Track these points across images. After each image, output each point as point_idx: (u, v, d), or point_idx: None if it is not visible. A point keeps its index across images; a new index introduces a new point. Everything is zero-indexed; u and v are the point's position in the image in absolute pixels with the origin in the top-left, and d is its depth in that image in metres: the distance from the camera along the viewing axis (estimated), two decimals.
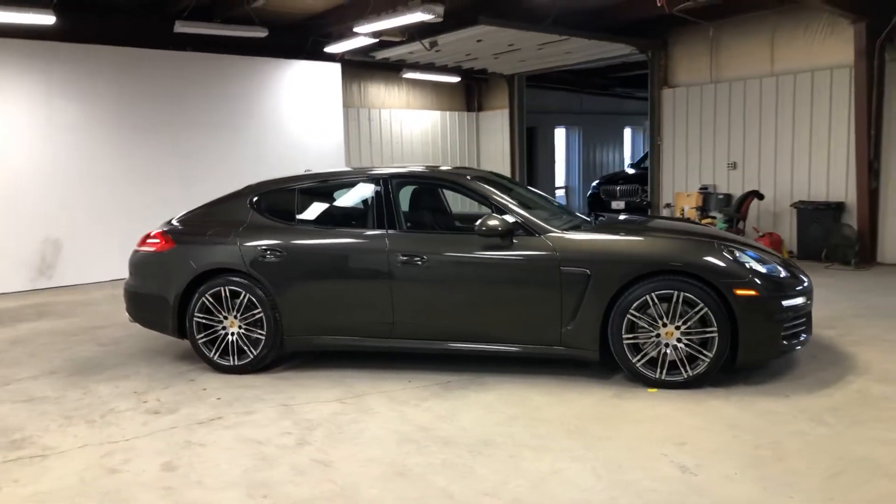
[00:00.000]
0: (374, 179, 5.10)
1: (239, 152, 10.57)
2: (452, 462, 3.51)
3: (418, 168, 5.51)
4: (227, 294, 5.01)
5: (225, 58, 10.45)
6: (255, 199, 5.26)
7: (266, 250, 4.97)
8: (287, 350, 5.09)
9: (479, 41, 10.23)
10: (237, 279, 5.00)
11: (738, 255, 4.42)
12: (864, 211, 8.90)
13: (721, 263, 4.34)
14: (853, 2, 8.23)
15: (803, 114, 9.65)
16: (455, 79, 13.44)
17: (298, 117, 11.23)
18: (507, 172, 13.78)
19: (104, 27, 9.66)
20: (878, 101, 8.72)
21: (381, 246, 4.83)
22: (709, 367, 4.35)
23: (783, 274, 4.50)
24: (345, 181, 5.42)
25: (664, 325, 4.38)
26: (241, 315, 5.01)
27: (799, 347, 4.57)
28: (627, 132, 17.98)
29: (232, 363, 5.06)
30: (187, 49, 10.07)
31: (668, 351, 4.39)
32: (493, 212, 4.75)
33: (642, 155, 15.91)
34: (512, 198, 4.92)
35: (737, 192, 10.38)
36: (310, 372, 5.05)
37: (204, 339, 5.09)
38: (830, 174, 9.46)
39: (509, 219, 4.64)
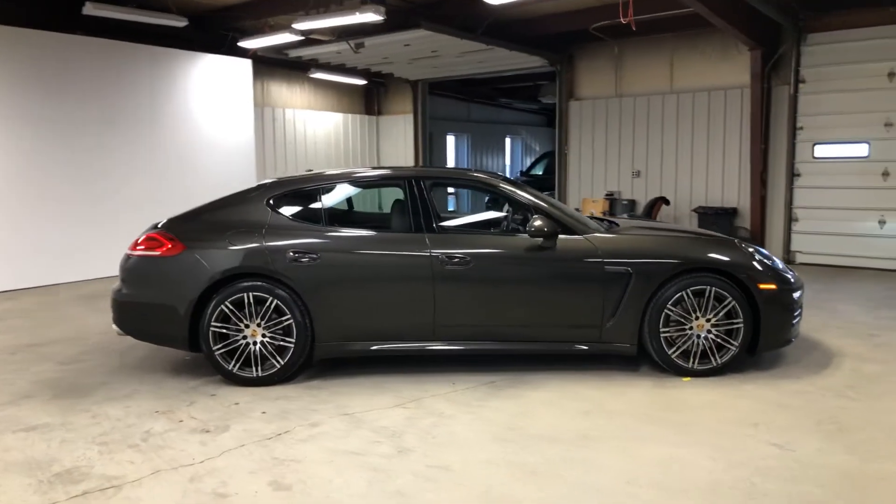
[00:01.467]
0: (405, 180, 5.00)
1: (143, 149, 9.71)
2: (569, 457, 3.58)
3: (446, 169, 5.43)
4: (251, 300, 4.67)
5: (132, 47, 9.57)
6: (272, 199, 4.94)
7: (298, 253, 4.69)
8: (316, 358, 4.83)
9: (406, 45, 10.24)
10: (263, 284, 4.68)
11: (756, 253, 4.90)
12: (757, 215, 10.09)
13: (747, 261, 4.79)
14: (752, 32, 9.32)
15: (700, 128, 10.73)
16: (362, 81, 13.30)
17: (208, 114, 10.54)
18: None
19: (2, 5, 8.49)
20: (765, 119, 9.93)
21: (422, 247, 4.75)
22: (735, 355, 4.78)
23: (788, 271, 5.06)
24: (371, 182, 5.25)
25: (696, 318, 4.75)
26: (265, 322, 4.69)
27: (797, 335, 5.15)
28: (508, 141, 18.75)
29: (255, 374, 4.71)
30: (77, 32, 9.08)
31: (700, 342, 4.77)
32: (532, 214, 4.87)
33: (531, 162, 16.71)
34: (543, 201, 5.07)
35: (641, 199, 11.29)
36: (338, 380, 4.84)
37: (222, 351, 4.70)
38: (725, 183, 10.61)
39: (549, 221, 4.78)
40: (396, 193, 5.03)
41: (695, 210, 10.64)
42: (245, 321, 4.69)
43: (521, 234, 4.89)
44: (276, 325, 4.69)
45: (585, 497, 3.16)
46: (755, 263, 4.80)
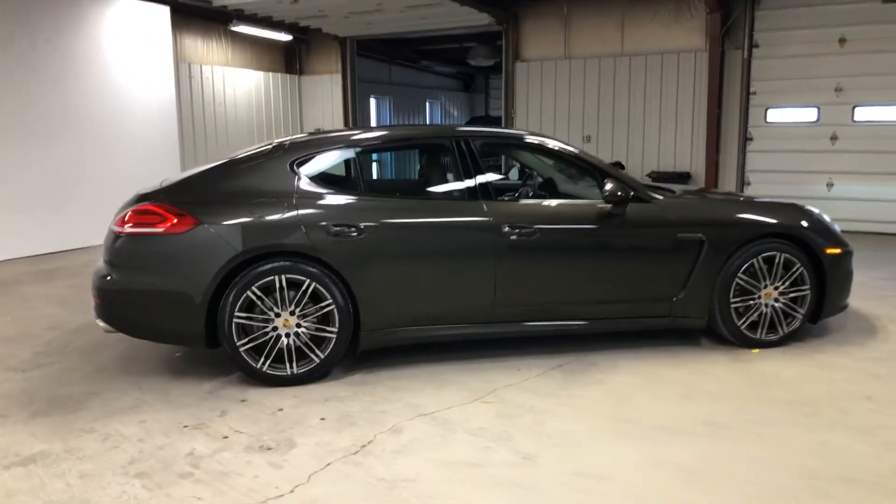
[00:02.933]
0: (452, 140, 4.32)
1: (44, 105, 8.24)
2: (717, 450, 3.16)
3: (493, 129, 4.76)
4: (283, 284, 3.87)
5: None
6: (296, 163, 4.11)
7: (340, 226, 3.93)
8: (361, 349, 4.11)
9: None
10: (298, 263, 3.89)
11: (820, 216, 4.69)
12: (711, 180, 10.16)
13: (816, 225, 4.56)
14: None
15: (653, 92, 10.62)
16: (286, 37, 12.13)
17: (123, 67, 9.14)
18: None
19: None
20: (719, 84, 9.96)
21: (483, 217, 4.13)
22: (800, 324, 4.57)
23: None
24: (413, 142, 4.50)
25: (765, 286, 4.48)
26: (301, 310, 3.91)
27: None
28: (427, 106, 18.09)
29: (290, 372, 3.94)
30: None
31: (768, 311, 4.51)
32: (598, 178, 4.37)
33: (466, 123, 16.18)
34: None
35: None
36: (384, 372, 4.16)
37: (248, 346, 3.89)
38: (677, 147, 10.60)
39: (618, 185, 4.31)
40: (435, 156, 4.37)
41: (648, 175, 10.58)
42: (276, 309, 3.89)
43: (587, 200, 4.40)
44: (314, 313, 3.93)
45: (779, 500, 2.76)
46: (822, 227, 4.59)
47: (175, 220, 3.83)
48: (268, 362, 3.92)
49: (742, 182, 10.14)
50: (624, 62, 10.74)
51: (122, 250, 3.90)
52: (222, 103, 11.84)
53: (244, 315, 3.86)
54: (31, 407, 3.73)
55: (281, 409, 3.65)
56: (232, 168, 4.14)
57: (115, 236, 3.92)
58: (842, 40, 9.27)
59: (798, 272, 4.48)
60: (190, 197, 3.98)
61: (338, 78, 13.13)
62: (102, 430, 3.41)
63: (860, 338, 4.78)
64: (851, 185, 9.49)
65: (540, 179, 4.93)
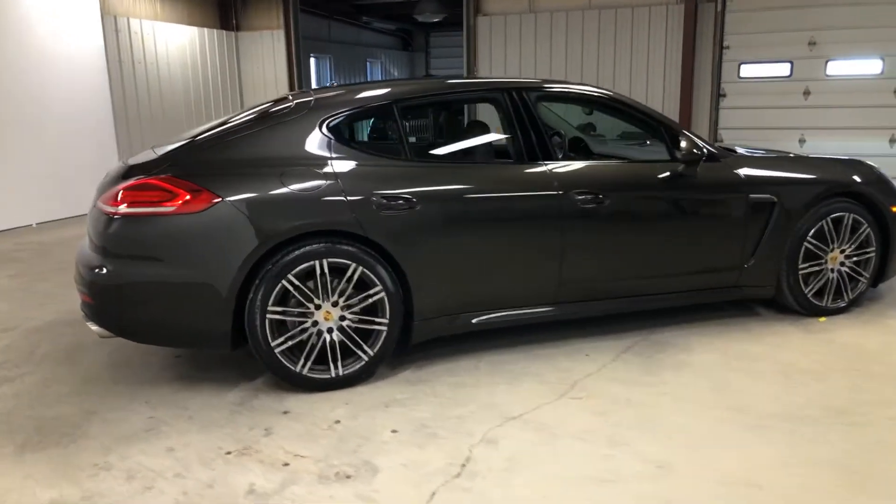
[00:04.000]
0: (504, 92, 3.71)
1: None
2: (856, 439, 2.78)
3: (547, 80, 4.11)
4: (325, 270, 3.22)
5: None
6: (328, 122, 3.41)
7: (389, 199, 3.29)
8: (413, 342, 3.51)
9: None
10: (343, 246, 3.23)
11: (884, 173, 4.38)
12: None
13: (883, 182, 4.26)
14: None
15: (623, 47, 10.22)
16: None
17: (44, 18, 7.92)
18: None
19: None
20: (693, 38, 9.67)
21: (548, 183, 3.58)
22: (865, 289, 4.30)
23: None
24: (464, 95, 3.84)
25: (831, 250, 4.16)
26: (346, 300, 3.27)
27: None
28: (368, 66, 17.11)
29: (334, 374, 3.31)
30: None
31: (834, 276, 4.20)
32: (667, 135, 3.89)
33: None
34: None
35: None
36: (436, 366, 3.59)
37: (284, 346, 3.22)
38: (649, 101, 10.27)
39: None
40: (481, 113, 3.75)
41: (619, 136, 10.23)
42: (317, 300, 3.24)
43: (656, 160, 3.91)
44: (360, 303, 3.29)
45: None
46: (886, 184, 4.29)
47: (188, 197, 3.08)
48: (308, 363, 3.27)
49: (714, 139, 9.95)
50: (592, 16, 10.27)
51: (119, 236, 3.12)
52: (154, 62, 10.61)
53: (279, 309, 3.19)
54: (13, 437, 2.95)
55: (338, 422, 3.04)
56: (246, 131, 3.39)
57: (108, 218, 3.13)
58: None
59: (865, 233, 4.18)
60: (200, 167, 3.22)
61: (280, 34, 12.06)
62: (122, 466, 2.71)
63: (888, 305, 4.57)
64: (823, 140, 9.45)
65: (598, 138, 4.41)
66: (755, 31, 9.44)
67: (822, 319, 4.20)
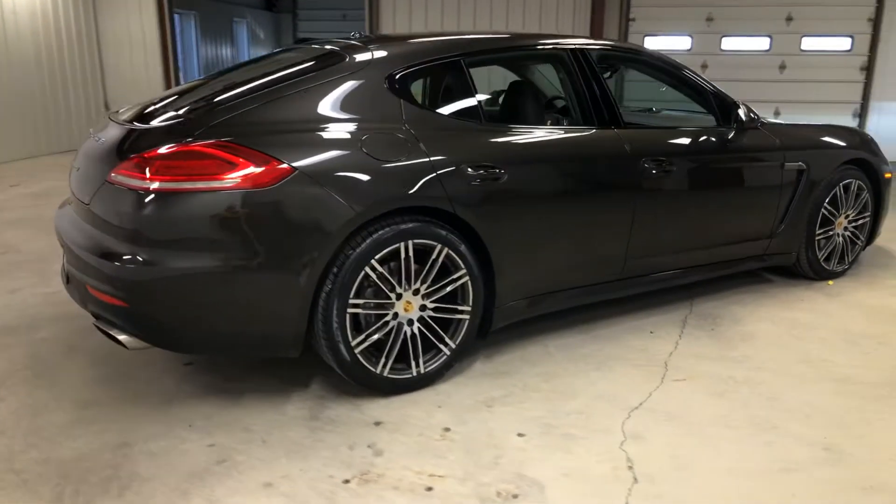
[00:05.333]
0: (568, 52, 3.36)
1: None
2: None
3: (605, 40, 3.75)
4: (410, 254, 2.73)
5: None
6: (396, 77, 2.87)
7: (479, 170, 2.84)
8: (492, 330, 3.10)
9: None
10: (429, 225, 2.75)
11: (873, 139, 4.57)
12: None
13: (878, 150, 4.43)
14: None
15: (532, 18, 10.11)
16: None
17: None
18: (154, 69, 10.63)
19: None
20: (602, 9, 9.77)
21: (621, 149, 3.30)
22: (860, 251, 4.49)
23: None
24: (531, 52, 3.40)
25: (839, 215, 4.29)
26: (426, 287, 2.81)
27: None
28: (235, 28, 15.70)
29: (416, 373, 2.85)
30: None
31: (839, 241, 4.35)
32: (714, 101, 3.75)
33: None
34: None
35: None
36: (505, 357, 3.21)
37: (365, 346, 2.70)
38: None
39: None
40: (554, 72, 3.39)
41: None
42: (399, 289, 2.74)
43: (706, 125, 3.76)
44: (442, 289, 2.84)
45: None
46: (881, 152, 4.48)
47: (251, 168, 2.44)
48: (389, 363, 2.78)
49: None
50: None
51: (158, 217, 2.40)
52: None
53: (360, 302, 2.66)
54: (38, 492, 2.20)
55: (447, 429, 2.60)
56: (299, 87, 2.76)
57: (137, 195, 2.41)
58: None
59: (865, 199, 4.36)
60: (253, 131, 2.58)
61: None
62: None
63: (888, 259, 4.87)
64: None
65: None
66: (659, 4, 9.73)
67: (831, 283, 4.34)
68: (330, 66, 2.85)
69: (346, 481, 2.28)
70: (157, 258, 2.41)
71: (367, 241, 2.62)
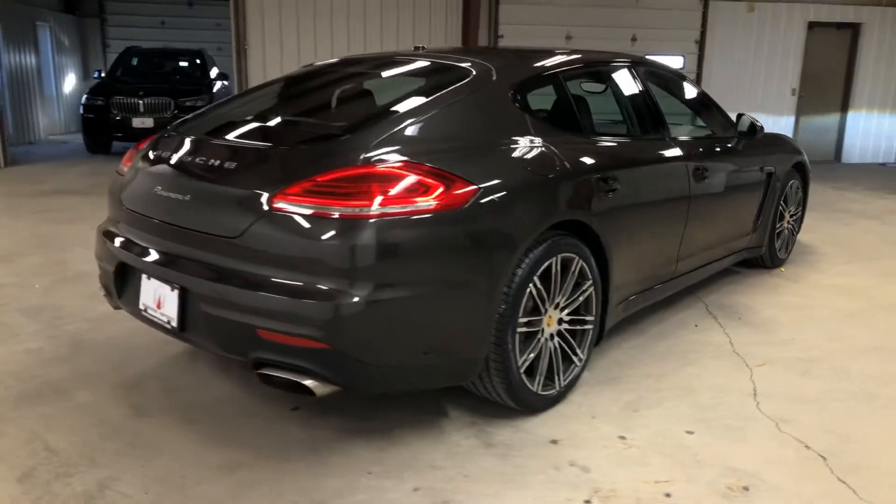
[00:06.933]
0: (632, 67, 3.62)
1: None
2: None
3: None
4: (559, 268, 2.73)
5: None
6: (519, 90, 2.84)
7: (603, 181, 2.92)
8: (603, 336, 3.16)
9: None
10: (570, 238, 2.78)
11: None
12: None
13: None
14: None
15: (406, 27, 10.20)
16: None
17: None
18: None
19: None
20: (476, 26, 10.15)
21: (680, 157, 3.58)
22: (794, 240, 5.24)
23: None
24: (607, 67, 3.49)
25: (785, 210, 4.96)
26: (565, 300, 2.84)
27: None
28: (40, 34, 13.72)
29: (558, 388, 2.85)
30: None
31: (786, 232, 5.02)
32: (717, 112, 4.16)
33: (113, 63, 12.89)
34: None
35: None
36: (601, 361, 3.32)
37: (526, 365, 2.66)
38: None
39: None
40: (621, 86, 3.55)
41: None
42: (548, 303, 2.73)
43: (719, 136, 4.15)
44: (573, 301, 2.88)
45: None
46: None
47: (442, 189, 2.30)
48: (542, 379, 2.76)
49: None
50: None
51: (374, 247, 2.17)
52: None
53: (525, 320, 2.61)
54: None
55: (622, 437, 2.63)
56: (440, 104, 2.63)
57: (352, 224, 2.16)
58: None
59: (800, 196, 5.10)
60: (420, 148, 2.43)
61: None
62: None
63: (801, 247, 5.69)
64: None
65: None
66: (524, 23, 10.34)
67: (783, 270, 5.00)
68: (462, 82, 2.75)
69: (587, 502, 2.25)
70: (360, 290, 2.18)
71: (529, 258, 2.59)
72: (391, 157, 2.31)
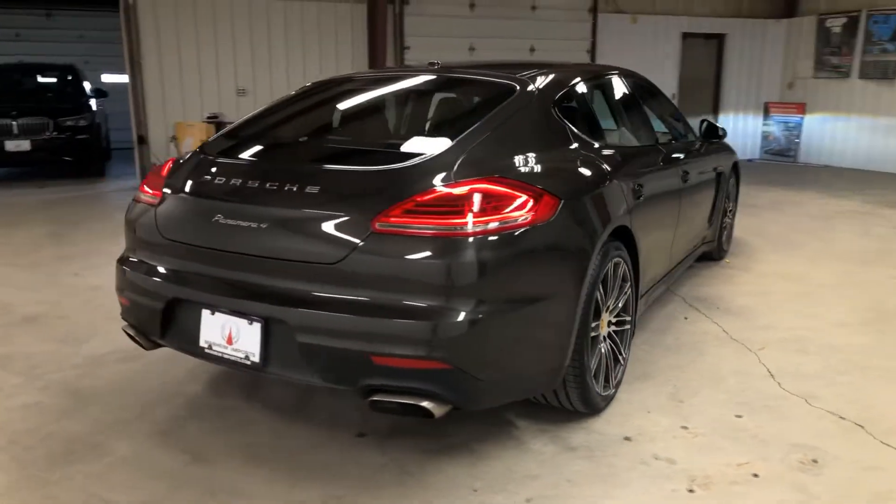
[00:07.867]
0: (626, 77, 3.84)
1: None
2: None
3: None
4: (613, 272, 2.86)
5: None
6: (559, 103, 2.93)
7: (638, 187, 3.09)
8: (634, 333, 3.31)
9: None
10: (618, 242, 2.91)
11: None
12: None
13: None
14: None
15: (312, 42, 10.01)
16: None
17: None
18: None
19: None
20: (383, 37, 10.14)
21: (670, 161, 3.83)
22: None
23: None
24: (608, 79, 3.62)
25: (727, 205, 5.41)
26: (614, 301, 2.97)
27: None
28: None
29: (613, 387, 2.98)
30: None
31: (727, 226, 5.48)
32: (680, 118, 4.46)
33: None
34: None
35: None
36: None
37: (595, 369, 2.76)
38: None
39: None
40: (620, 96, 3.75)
41: None
42: (602, 307, 2.85)
43: (689, 140, 4.46)
44: (618, 303, 3.03)
45: None
46: None
47: (532, 203, 2.35)
48: (602, 382, 2.86)
49: None
50: (277, 8, 9.76)
51: (494, 261, 2.20)
52: None
53: (594, 324, 2.71)
54: None
55: (685, 427, 2.80)
56: (498, 120, 2.66)
57: (461, 242, 2.15)
58: (472, 5, 10.65)
59: (736, 192, 5.59)
60: (503, 164, 2.47)
61: None
62: None
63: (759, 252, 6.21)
64: None
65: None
66: (429, 35, 10.50)
67: (728, 261, 5.45)
68: (512, 97, 2.81)
69: (691, 490, 2.37)
70: (480, 306, 2.18)
71: (595, 264, 2.69)
72: (482, 174, 2.33)
